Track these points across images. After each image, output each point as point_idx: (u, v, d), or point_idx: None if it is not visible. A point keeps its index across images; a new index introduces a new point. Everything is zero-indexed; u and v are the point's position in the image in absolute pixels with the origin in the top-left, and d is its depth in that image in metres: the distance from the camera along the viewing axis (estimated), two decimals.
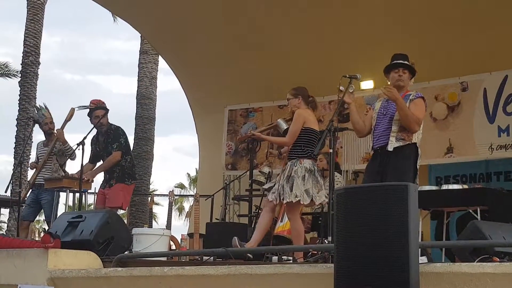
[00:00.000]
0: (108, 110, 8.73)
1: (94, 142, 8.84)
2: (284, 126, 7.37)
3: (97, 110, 8.61)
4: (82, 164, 8.29)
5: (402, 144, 6.16)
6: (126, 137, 8.81)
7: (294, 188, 6.65)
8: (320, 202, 6.91)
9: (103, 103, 8.74)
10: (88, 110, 8.65)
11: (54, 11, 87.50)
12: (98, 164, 8.82)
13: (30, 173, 9.32)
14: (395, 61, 6.42)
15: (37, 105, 9.22)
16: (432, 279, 3.94)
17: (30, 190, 8.93)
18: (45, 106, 9.15)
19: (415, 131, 6.18)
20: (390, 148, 6.14)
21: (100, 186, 8.74)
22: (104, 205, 8.46)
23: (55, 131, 8.92)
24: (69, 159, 8.95)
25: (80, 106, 8.72)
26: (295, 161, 6.81)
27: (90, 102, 8.68)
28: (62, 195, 8.76)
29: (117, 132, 8.69)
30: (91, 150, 8.88)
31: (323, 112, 11.81)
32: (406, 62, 6.43)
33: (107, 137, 8.63)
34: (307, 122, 6.89)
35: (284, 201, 6.74)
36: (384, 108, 6.37)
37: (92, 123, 8.61)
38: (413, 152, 6.20)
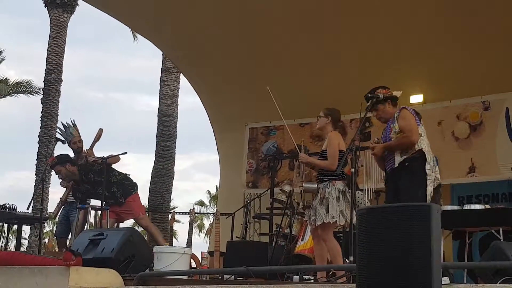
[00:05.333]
0: (60, 163, 8.95)
1: None
2: (312, 185, 7.17)
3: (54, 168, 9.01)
4: (104, 181, 8.40)
5: (406, 156, 6.35)
6: (86, 161, 9.05)
7: (330, 209, 6.61)
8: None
9: (52, 160, 9.13)
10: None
11: (78, 29, 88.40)
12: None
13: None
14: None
15: (65, 122, 9.24)
16: None
17: (62, 207, 9.03)
18: (73, 123, 9.23)
19: (415, 142, 6.36)
20: (396, 164, 6.37)
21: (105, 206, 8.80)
22: (116, 218, 8.70)
23: (85, 151, 9.01)
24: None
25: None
26: (327, 183, 6.76)
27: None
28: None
29: (84, 167, 8.92)
30: None
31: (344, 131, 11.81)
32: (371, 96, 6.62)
33: None
34: (340, 144, 6.87)
35: (318, 223, 6.68)
36: (383, 135, 6.69)
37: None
38: (418, 161, 6.35)
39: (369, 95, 6.56)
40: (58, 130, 9.28)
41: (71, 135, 9.15)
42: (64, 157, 9.02)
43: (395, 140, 6.43)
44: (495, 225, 7.35)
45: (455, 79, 10.47)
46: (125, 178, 8.90)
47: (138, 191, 9.04)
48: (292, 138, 7.84)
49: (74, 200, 8.95)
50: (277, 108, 7.54)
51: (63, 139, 9.15)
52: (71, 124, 9.22)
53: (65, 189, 9.08)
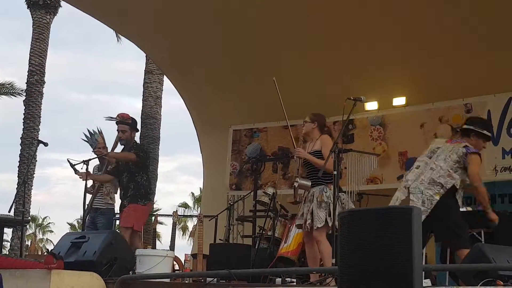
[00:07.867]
0: (133, 126, 8.92)
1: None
2: (307, 182, 7.10)
3: (120, 125, 8.83)
4: (86, 185, 8.40)
5: None
6: (148, 156, 9.13)
7: (332, 213, 6.54)
8: None
9: (128, 117, 8.91)
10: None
11: (61, 30, 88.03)
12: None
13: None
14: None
15: (91, 130, 9.28)
16: None
17: (88, 213, 9.00)
18: (100, 131, 9.27)
19: None
20: None
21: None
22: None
23: (106, 155, 8.93)
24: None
25: (106, 118, 8.95)
26: (323, 187, 6.75)
27: (117, 115, 8.91)
28: None
29: (140, 146, 9.05)
30: None
31: None
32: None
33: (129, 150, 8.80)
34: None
35: (319, 225, 6.61)
36: None
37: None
38: None
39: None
40: (84, 136, 9.28)
41: (96, 142, 9.18)
42: (136, 124, 9.07)
43: None
44: (476, 227, 7.35)
45: (438, 82, 10.51)
46: (146, 187, 8.80)
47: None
48: (292, 134, 7.69)
49: (99, 207, 8.95)
50: (280, 102, 7.45)
51: (90, 143, 9.26)
52: (97, 132, 9.27)
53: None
